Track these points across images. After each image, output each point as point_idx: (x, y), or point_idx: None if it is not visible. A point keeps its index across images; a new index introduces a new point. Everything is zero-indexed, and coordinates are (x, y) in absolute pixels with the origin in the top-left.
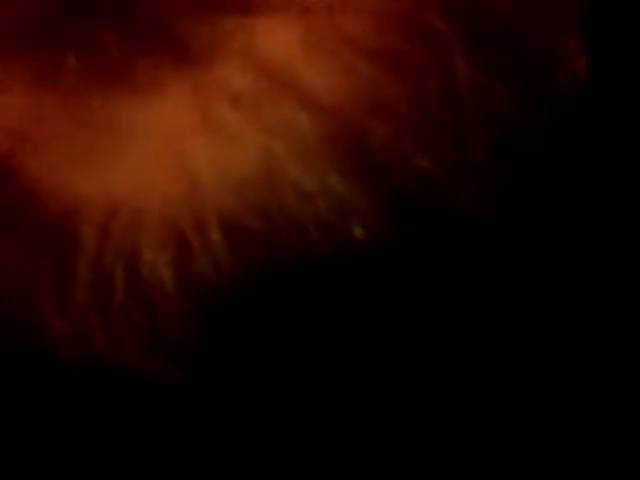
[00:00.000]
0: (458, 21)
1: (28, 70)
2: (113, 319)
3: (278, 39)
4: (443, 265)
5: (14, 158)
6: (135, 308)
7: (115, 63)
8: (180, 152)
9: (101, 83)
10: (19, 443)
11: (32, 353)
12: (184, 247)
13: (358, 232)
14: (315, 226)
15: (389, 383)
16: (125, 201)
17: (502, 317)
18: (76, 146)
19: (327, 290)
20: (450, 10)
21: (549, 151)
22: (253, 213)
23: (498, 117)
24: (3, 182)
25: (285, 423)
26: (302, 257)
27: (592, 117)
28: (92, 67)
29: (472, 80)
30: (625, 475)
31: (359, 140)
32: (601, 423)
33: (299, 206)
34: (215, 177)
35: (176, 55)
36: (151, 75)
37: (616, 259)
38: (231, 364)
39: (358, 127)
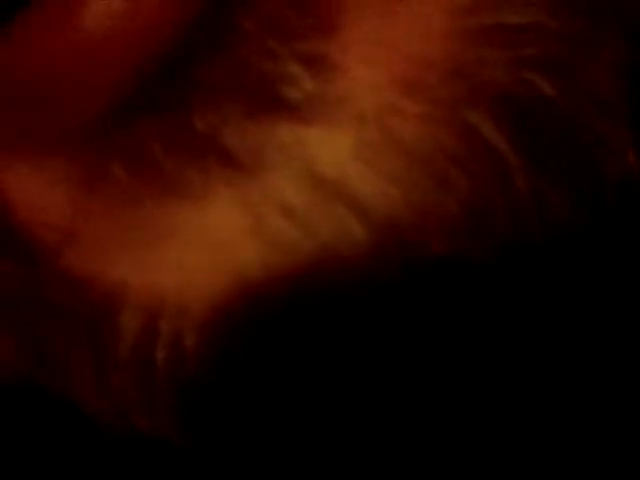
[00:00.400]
0: (509, 121)
1: (75, 172)
2: (154, 402)
3: (329, 149)
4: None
5: (59, 251)
6: (175, 392)
7: (165, 173)
8: (230, 254)
9: (151, 191)
10: None
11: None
12: (227, 338)
13: None
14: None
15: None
16: (169, 292)
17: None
18: (121, 239)
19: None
20: (501, 112)
21: (599, 247)
22: None
23: (555, 219)
24: (45, 271)
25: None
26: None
27: None
28: (141, 176)
29: (530, 184)
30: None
31: (412, 252)
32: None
33: None
34: (264, 281)
35: (225, 166)
36: (201, 185)
37: None
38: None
39: (412, 239)
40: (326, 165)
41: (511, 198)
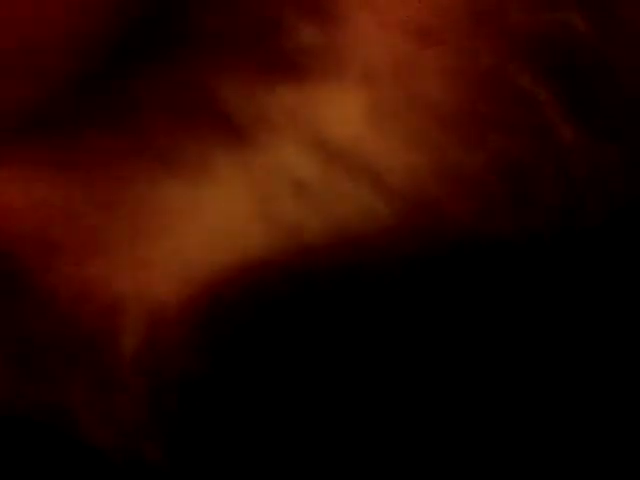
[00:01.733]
0: (551, 75)
1: (43, 161)
2: (164, 429)
3: (341, 112)
4: None
5: (42, 262)
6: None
7: (156, 143)
8: (232, 239)
9: (141, 165)
10: None
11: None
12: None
13: None
14: None
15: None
16: (169, 297)
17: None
18: (112, 239)
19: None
20: (541, 65)
21: None
22: None
23: (611, 180)
24: (29, 288)
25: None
26: None
27: None
28: (129, 148)
29: (579, 144)
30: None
31: (441, 226)
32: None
33: None
34: (271, 268)
35: (225, 133)
36: (198, 156)
37: None
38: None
39: (440, 211)
40: (338, 130)
41: (557, 158)
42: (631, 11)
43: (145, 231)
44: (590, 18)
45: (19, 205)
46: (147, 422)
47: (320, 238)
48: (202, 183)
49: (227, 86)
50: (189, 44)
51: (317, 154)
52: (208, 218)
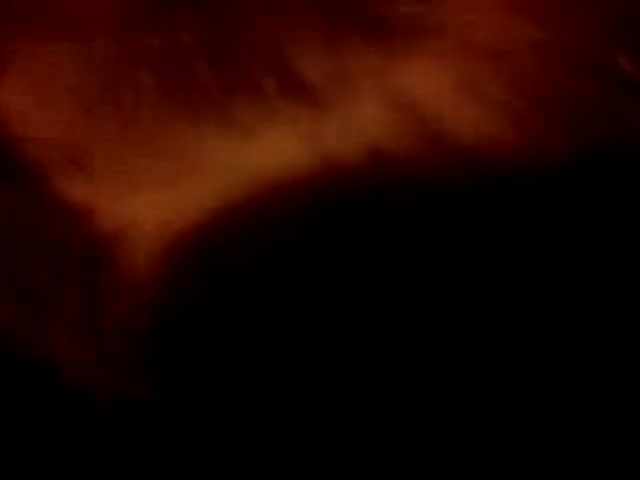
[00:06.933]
0: None
1: (89, 70)
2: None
3: (429, 79)
4: None
5: (55, 170)
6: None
7: (207, 93)
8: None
9: (186, 113)
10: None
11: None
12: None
13: None
14: None
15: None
16: (177, 231)
17: None
18: (138, 168)
19: None
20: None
21: None
22: None
23: None
24: (37, 194)
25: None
26: None
27: None
28: (176, 92)
29: None
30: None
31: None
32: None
33: None
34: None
35: (292, 94)
36: (248, 117)
37: None
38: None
39: (513, 176)
40: (422, 95)
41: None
42: None
43: (177, 175)
44: None
45: (43, 118)
46: (141, 362)
47: (376, 204)
48: (256, 138)
49: (298, 45)
50: None
51: (396, 117)
52: (252, 164)
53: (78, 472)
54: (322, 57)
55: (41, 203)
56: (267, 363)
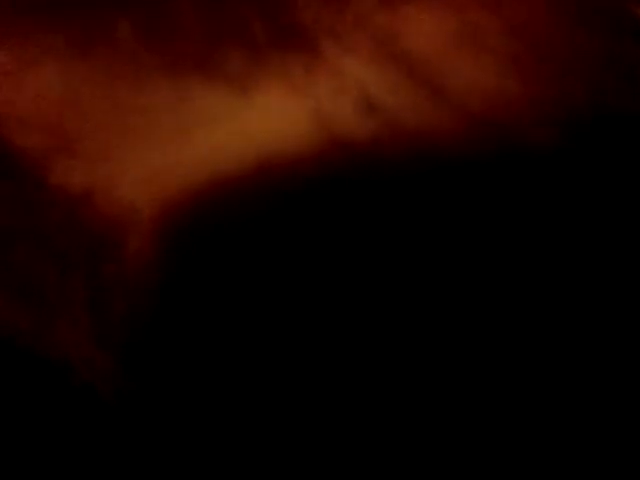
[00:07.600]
0: None
1: (68, 40)
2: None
3: (426, 30)
4: None
5: (48, 159)
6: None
7: (198, 46)
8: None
9: (176, 67)
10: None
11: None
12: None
13: None
14: None
15: None
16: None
17: None
18: (121, 139)
19: None
20: None
21: None
22: None
23: None
24: (34, 187)
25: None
26: None
27: None
28: (160, 46)
29: None
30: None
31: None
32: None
33: None
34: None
35: (281, 41)
36: (238, 68)
37: None
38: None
39: (518, 133)
40: (419, 47)
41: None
42: None
43: (163, 137)
44: None
45: (32, 108)
46: (143, 350)
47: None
48: (248, 93)
49: None
50: None
51: (391, 68)
52: (245, 124)
53: (81, 464)
54: (314, 2)
55: (41, 199)
56: (265, 343)
